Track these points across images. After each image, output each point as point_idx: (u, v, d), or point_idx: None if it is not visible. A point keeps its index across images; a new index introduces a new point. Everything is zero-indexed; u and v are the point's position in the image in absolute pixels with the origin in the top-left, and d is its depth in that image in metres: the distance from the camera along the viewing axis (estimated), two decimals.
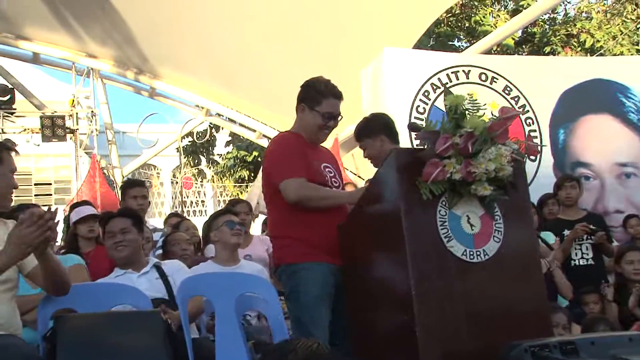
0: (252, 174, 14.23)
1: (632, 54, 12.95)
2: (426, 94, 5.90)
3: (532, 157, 5.32)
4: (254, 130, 10.99)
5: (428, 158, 2.55)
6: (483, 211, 2.62)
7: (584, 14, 14.36)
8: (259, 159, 13.89)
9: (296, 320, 2.87)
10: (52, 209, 2.21)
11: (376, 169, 3.04)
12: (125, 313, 2.60)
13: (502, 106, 2.58)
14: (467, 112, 2.59)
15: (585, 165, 6.20)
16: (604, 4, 14.38)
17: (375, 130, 3.40)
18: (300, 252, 2.89)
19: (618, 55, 12.63)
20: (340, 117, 3.12)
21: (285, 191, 2.92)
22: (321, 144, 3.27)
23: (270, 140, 3.66)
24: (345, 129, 8.77)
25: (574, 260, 4.79)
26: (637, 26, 13.71)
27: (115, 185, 11.18)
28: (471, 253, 2.57)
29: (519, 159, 2.61)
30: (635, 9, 13.89)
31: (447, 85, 5.96)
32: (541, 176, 5.76)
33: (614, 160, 6.24)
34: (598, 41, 13.06)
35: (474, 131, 2.52)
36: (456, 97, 2.60)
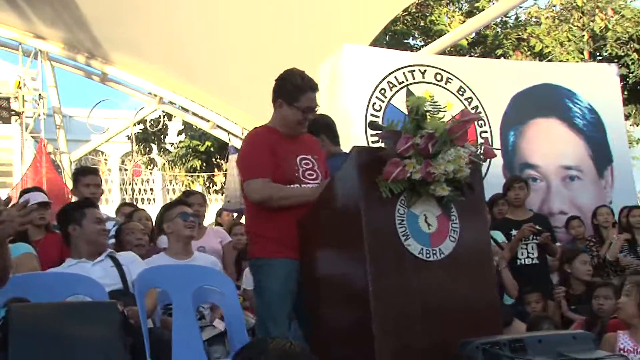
0: (204, 164, 14.10)
1: (577, 61, 13.38)
2: (383, 91, 5.95)
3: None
4: (208, 120, 10.88)
5: (389, 157, 2.60)
6: (440, 211, 2.68)
7: (533, 19, 14.72)
8: (212, 149, 13.76)
9: (259, 316, 2.91)
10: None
11: None
12: (80, 303, 2.56)
13: (462, 109, 2.63)
14: (428, 113, 2.65)
15: (533, 167, 6.37)
16: (553, 10, 14.79)
17: (316, 130, 3.42)
18: (266, 247, 2.92)
19: (565, 60, 13.03)
20: (317, 107, 3.15)
21: (248, 192, 2.97)
22: (305, 134, 3.26)
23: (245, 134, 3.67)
24: None
25: (520, 260, 4.94)
26: (583, 34, 14.16)
27: (62, 171, 10.90)
28: (427, 251, 2.64)
29: (476, 162, 2.68)
30: (581, 17, 14.35)
31: (404, 84, 6.03)
32: (491, 176, 5.89)
33: (560, 163, 6.43)
34: (547, 46, 13.42)
35: (435, 133, 2.57)
36: (418, 98, 2.65)
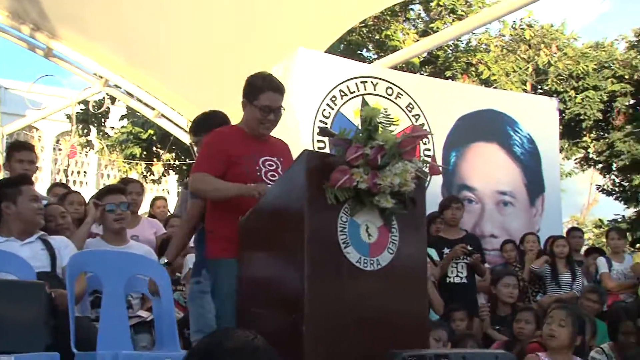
0: (145, 152, 13.80)
1: (519, 92, 13.84)
2: (333, 99, 5.99)
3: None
4: (153, 109, 10.62)
5: (337, 164, 2.61)
6: (382, 222, 2.71)
7: (483, 45, 15.16)
8: (154, 138, 13.48)
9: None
10: None
11: None
12: (7, 282, 2.45)
13: (413, 125, 2.68)
14: (380, 125, 2.68)
15: (470, 189, 6.54)
16: (502, 39, 15.27)
17: (216, 126, 3.42)
18: (217, 247, 2.98)
19: (509, 90, 13.46)
20: (282, 109, 3.19)
21: (190, 183, 3.06)
22: (271, 136, 3.31)
23: None
24: None
25: (449, 278, 5.06)
26: (528, 66, 14.68)
27: None
28: (365, 261, 2.66)
29: (421, 177, 2.73)
30: (527, 50, 14.87)
31: (355, 94, 6.08)
32: (429, 193, 5.98)
33: (496, 188, 6.63)
34: (493, 74, 13.83)
35: (385, 145, 2.61)
36: (372, 109, 2.67)
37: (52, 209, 3.87)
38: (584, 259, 5.79)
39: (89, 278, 2.87)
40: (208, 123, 3.48)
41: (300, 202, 2.63)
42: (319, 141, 5.47)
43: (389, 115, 2.80)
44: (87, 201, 4.59)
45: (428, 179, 5.68)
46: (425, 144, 6.35)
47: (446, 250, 5.13)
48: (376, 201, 2.63)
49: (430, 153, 6.34)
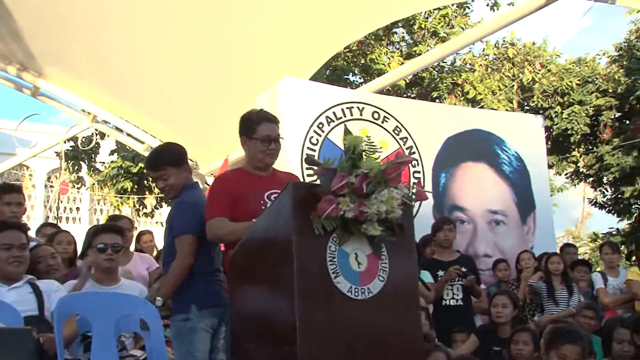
0: (136, 186, 13.76)
1: (506, 109, 13.97)
2: (320, 125, 6.01)
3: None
4: (142, 142, 10.62)
5: (323, 194, 2.61)
6: (371, 250, 2.70)
7: (468, 65, 15.32)
8: (144, 171, 13.46)
9: None
10: None
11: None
12: None
13: (397, 151, 2.69)
14: (364, 153, 2.68)
15: (461, 209, 6.54)
16: (486, 58, 15.43)
17: (181, 159, 3.50)
18: None
19: (495, 108, 13.58)
20: (281, 139, 3.31)
21: (207, 232, 3.14)
22: (278, 170, 3.43)
23: None
24: (236, 150, 8.75)
25: (445, 300, 5.04)
26: (513, 84, 14.83)
27: None
28: (356, 290, 2.64)
29: (408, 203, 2.73)
30: (511, 68, 15.03)
31: (341, 120, 6.11)
32: (421, 216, 6.01)
33: (487, 207, 6.63)
34: (479, 93, 13.96)
35: (369, 173, 2.60)
36: (355, 138, 2.68)
37: (42, 249, 3.84)
38: (571, 273, 5.76)
39: (79, 320, 2.83)
40: (176, 155, 3.49)
41: (289, 234, 2.61)
42: (307, 168, 5.48)
43: (373, 142, 2.78)
44: (76, 240, 4.57)
45: (416, 204, 5.74)
46: (414, 166, 6.37)
47: (440, 273, 5.11)
48: (364, 229, 2.61)
49: (420, 175, 6.35)
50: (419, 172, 6.33)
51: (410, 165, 6.18)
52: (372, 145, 2.73)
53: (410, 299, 2.87)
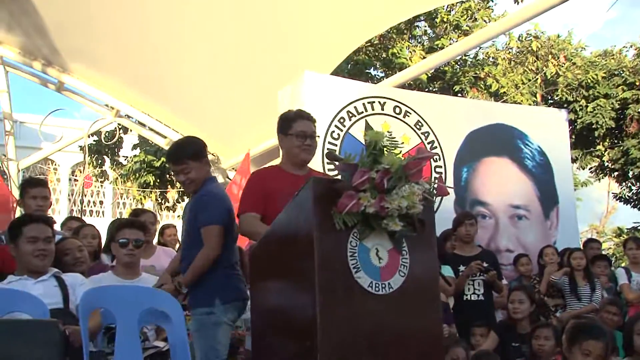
0: (158, 180, 13.89)
1: (530, 103, 13.83)
2: (342, 120, 6.02)
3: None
4: (165, 137, 10.73)
5: (344, 190, 2.61)
6: (392, 245, 2.70)
7: (491, 59, 15.18)
8: (166, 166, 13.58)
9: None
10: None
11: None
12: (21, 321, 2.47)
13: (418, 146, 2.69)
14: (385, 148, 2.68)
15: (483, 204, 6.51)
16: (509, 52, 15.29)
17: (202, 153, 3.53)
18: None
19: (519, 101, 13.45)
20: (317, 136, 3.40)
21: (239, 225, 3.29)
22: (315, 170, 3.56)
23: None
24: (258, 144, 8.79)
25: (466, 295, 5.01)
26: (536, 78, 14.67)
27: (8, 178, 10.58)
28: (377, 285, 2.65)
29: (429, 198, 2.72)
30: (535, 61, 14.87)
31: (363, 115, 6.11)
32: (442, 210, 6.00)
33: (509, 202, 6.59)
34: (502, 87, 13.82)
35: (390, 168, 2.60)
36: (376, 133, 2.68)
37: (69, 242, 3.91)
38: (591, 267, 5.71)
39: (103, 313, 2.88)
40: (196, 149, 3.51)
41: (310, 229, 2.62)
42: (328, 163, 5.48)
43: (394, 137, 2.79)
44: (100, 234, 4.64)
45: (437, 198, 5.74)
46: (436, 160, 6.35)
47: (462, 268, 5.08)
48: (385, 224, 2.62)
49: (442, 170, 6.33)
50: (440, 166, 6.30)
51: (432, 159, 6.16)
52: (393, 141, 2.73)
53: (430, 294, 2.87)
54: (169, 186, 14.45)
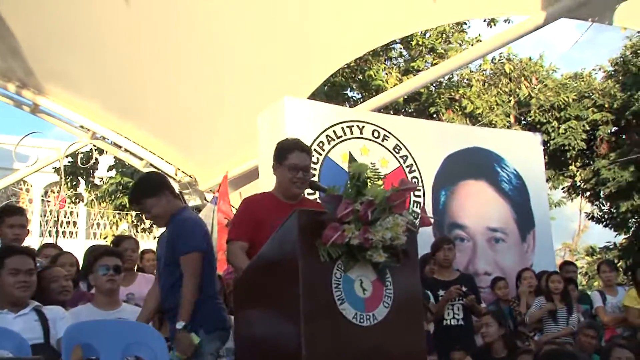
0: None
1: (504, 124, 14.05)
2: (321, 144, 6.04)
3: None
4: (141, 159, 10.64)
5: (329, 221, 2.64)
6: (375, 276, 2.72)
7: (465, 80, 15.42)
8: None
9: None
10: None
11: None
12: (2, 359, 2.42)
13: (402, 178, 2.72)
14: (369, 180, 2.71)
15: (461, 227, 6.56)
16: (483, 74, 15.54)
17: (158, 188, 3.46)
18: None
19: (493, 122, 13.65)
20: (309, 171, 3.40)
21: (227, 252, 3.32)
22: (308, 199, 3.58)
23: None
24: (236, 166, 8.78)
25: (446, 320, 5.02)
26: (510, 99, 14.94)
27: None
28: (361, 316, 2.66)
29: (412, 229, 2.76)
30: (508, 83, 15.14)
31: (342, 139, 6.14)
32: (421, 233, 6.00)
33: (486, 225, 6.64)
34: (477, 108, 14.03)
35: (374, 200, 2.64)
36: (360, 165, 2.71)
37: (56, 270, 3.87)
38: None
39: (84, 346, 2.84)
40: (152, 185, 3.48)
41: (294, 260, 2.64)
42: (310, 193, 5.50)
43: (377, 169, 2.82)
44: (78, 261, 4.57)
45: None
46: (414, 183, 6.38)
47: (441, 292, 5.11)
48: (369, 256, 2.64)
49: (420, 194, 6.37)
50: (419, 189, 6.35)
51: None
52: (377, 172, 2.77)
53: (414, 325, 2.90)
54: None
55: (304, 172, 3.35)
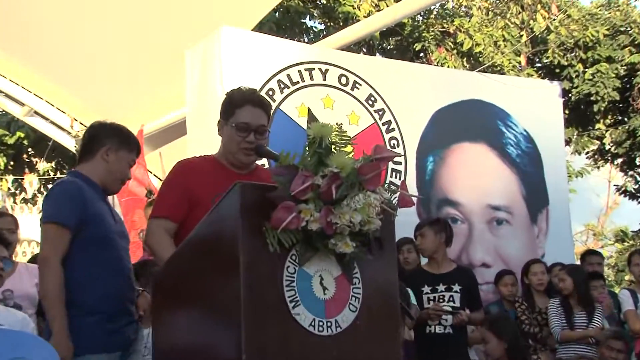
0: (12, 162, 13.54)
1: (513, 67, 14.16)
2: (270, 93, 6.07)
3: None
4: (23, 104, 10.49)
5: (280, 200, 2.66)
6: (340, 271, 2.78)
7: (463, 8, 15.46)
8: (24, 142, 13.24)
9: None
10: None
11: None
12: None
13: (376, 145, 2.75)
14: (333, 146, 2.74)
15: (453, 204, 6.69)
16: (487, 0, 15.56)
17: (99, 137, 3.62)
18: None
19: (498, 65, 13.75)
20: (267, 132, 3.35)
21: (145, 233, 3.37)
22: (265, 169, 3.55)
23: None
24: (154, 119, 8.73)
25: (430, 327, 5.07)
26: (521, 34, 14.97)
27: None
28: (321, 323, 2.72)
29: (389, 211, 2.81)
30: (519, 12, 15.16)
31: (298, 86, 6.18)
32: (402, 212, 6.12)
33: (487, 202, 6.78)
34: (477, 44, 14.09)
35: (340, 172, 2.65)
36: (322, 127, 2.71)
37: None
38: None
39: None
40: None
41: (234, 250, 2.66)
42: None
43: (345, 132, 2.85)
44: None
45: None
46: (393, 147, 6.45)
47: (426, 289, 5.17)
48: (332, 245, 2.68)
49: (401, 159, 6.46)
50: (400, 155, 6.43)
51: (388, 147, 6.27)
52: (345, 136, 2.80)
53: (388, 328, 2.97)
54: (27, 169, 14.11)
55: (257, 134, 3.30)
